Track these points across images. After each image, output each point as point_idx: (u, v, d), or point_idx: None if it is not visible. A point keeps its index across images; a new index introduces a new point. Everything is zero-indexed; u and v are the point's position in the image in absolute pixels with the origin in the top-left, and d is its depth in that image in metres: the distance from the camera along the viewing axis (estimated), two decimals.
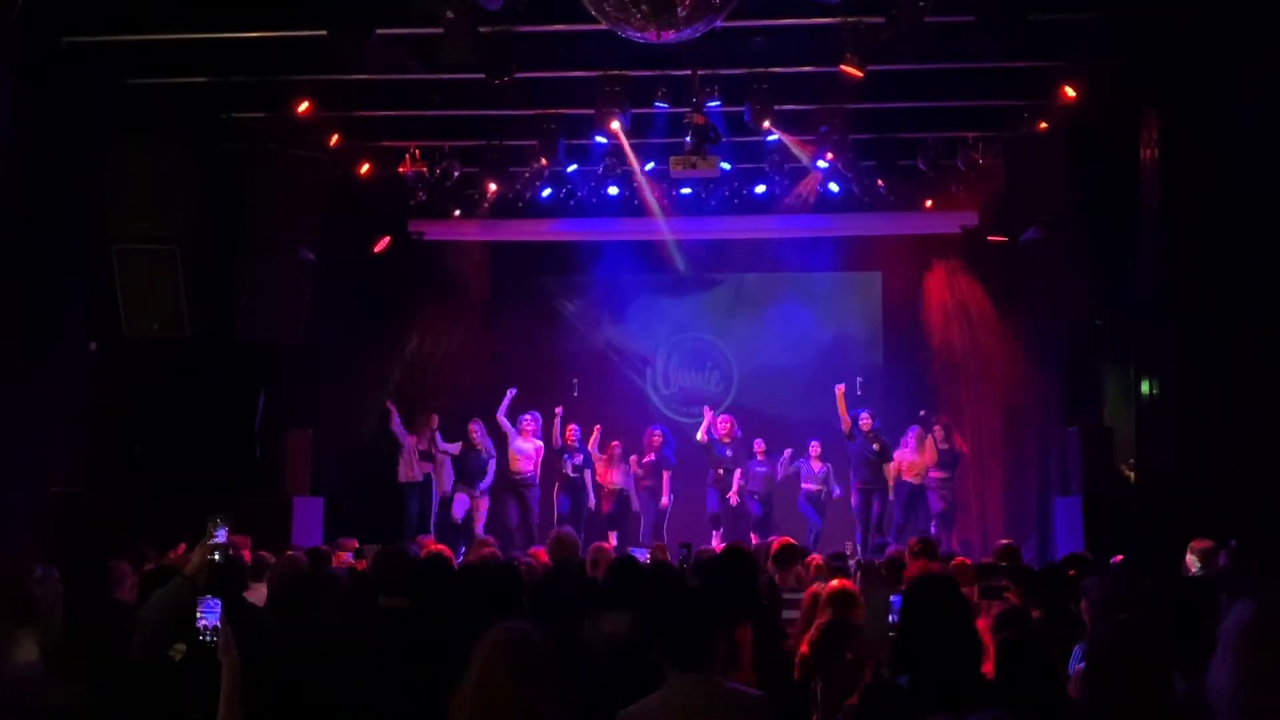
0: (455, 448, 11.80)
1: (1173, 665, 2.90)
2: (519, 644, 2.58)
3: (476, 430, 11.77)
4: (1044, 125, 9.97)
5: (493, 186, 11.64)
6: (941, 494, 11.79)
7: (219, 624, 3.11)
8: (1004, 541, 8.04)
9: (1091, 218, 10.00)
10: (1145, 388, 10.18)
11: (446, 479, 11.78)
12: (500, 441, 11.81)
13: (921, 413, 11.95)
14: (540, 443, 11.80)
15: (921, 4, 7.22)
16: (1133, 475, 9.71)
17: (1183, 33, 8.20)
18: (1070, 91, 9.26)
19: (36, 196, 8.32)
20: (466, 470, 11.73)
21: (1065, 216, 10.12)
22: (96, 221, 9.29)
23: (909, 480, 11.84)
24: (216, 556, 3.88)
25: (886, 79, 8.93)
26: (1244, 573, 4.94)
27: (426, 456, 11.67)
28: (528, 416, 11.79)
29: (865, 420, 11.81)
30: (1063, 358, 11.50)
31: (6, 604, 3.37)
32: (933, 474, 11.83)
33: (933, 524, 11.56)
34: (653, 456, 12.08)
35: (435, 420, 11.84)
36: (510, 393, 11.78)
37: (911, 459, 11.84)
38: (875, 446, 11.85)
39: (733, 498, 11.91)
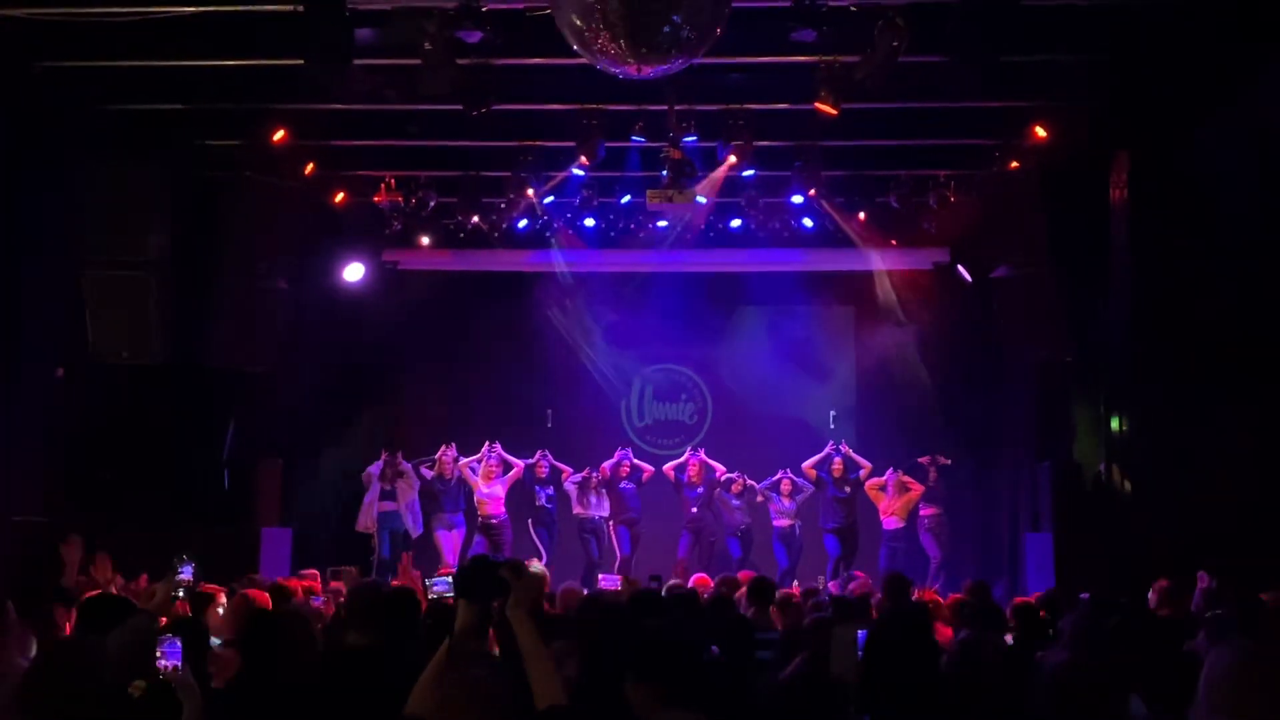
0: (428, 474, 11.70)
1: (1126, 699, 2.92)
2: (476, 684, 2.53)
3: (447, 457, 11.68)
4: (1015, 164, 10.09)
5: (468, 217, 11.63)
6: (937, 534, 11.79)
7: (180, 664, 3.05)
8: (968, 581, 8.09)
9: (1062, 256, 10.12)
10: (1115, 424, 10.27)
11: (412, 513, 11.56)
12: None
13: (922, 460, 11.98)
14: (505, 478, 11.70)
15: (895, 44, 7.31)
16: None
17: (1153, 76, 8.34)
18: (1041, 132, 9.39)
19: (6, 219, 8.24)
20: (436, 499, 11.59)
21: (1036, 255, 10.24)
22: (67, 245, 9.21)
23: (892, 525, 11.84)
24: (180, 593, 3.83)
25: (860, 116, 9.02)
26: (1224, 615, 4.97)
27: (389, 495, 11.48)
28: (493, 459, 11.67)
29: (837, 465, 11.91)
30: (1033, 394, 11.58)
31: None
32: (924, 511, 11.85)
33: (931, 568, 11.53)
34: (631, 485, 12.04)
35: (384, 457, 11.66)
36: (485, 449, 11.74)
37: (889, 502, 11.86)
38: (847, 489, 11.91)
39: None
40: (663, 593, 6.22)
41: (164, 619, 3.77)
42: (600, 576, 8.82)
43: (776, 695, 3.79)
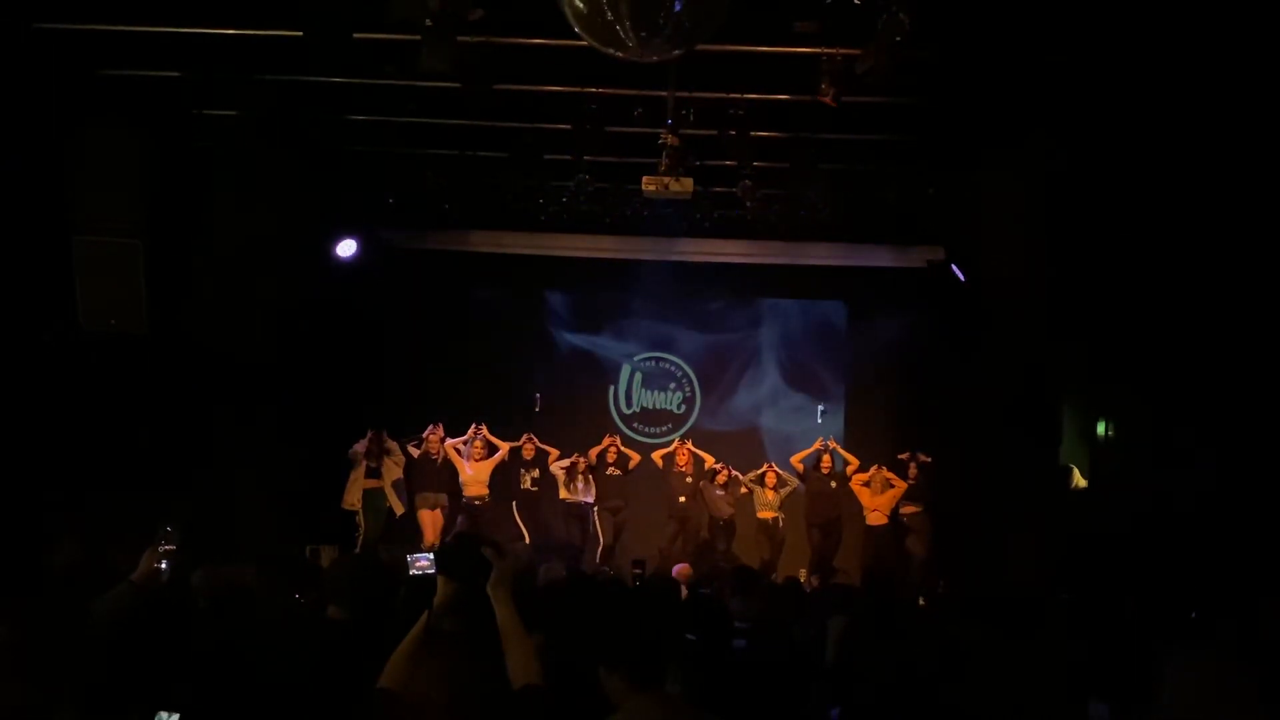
0: (414, 452, 11.71)
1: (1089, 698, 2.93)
2: (451, 659, 2.53)
3: (434, 436, 11.69)
4: (1014, 165, 10.08)
5: (464, 197, 11.58)
6: (919, 532, 11.83)
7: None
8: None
9: (1055, 259, 10.14)
10: (1101, 428, 10.30)
11: (398, 490, 11.60)
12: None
13: (902, 455, 12.03)
14: (490, 460, 11.72)
15: (898, 39, 7.27)
16: None
17: (1149, 84, 8.33)
18: (1041, 133, 9.37)
19: None
20: (421, 478, 11.61)
21: (1029, 256, 10.25)
22: (58, 212, 9.14)
23: (876, 522, 11.89)
24: (164, 564, 3.80)
25: (860, 110, 9.00)
26: (1197, 620, 4.99)
27: (374, 472, 11.50)
28: (478, 440, 11.68)
29: (825, 460, 11.96)
30: (1022, 395, 11.59)
31: None
32: (906, 509, 11.88)
33: (913, 565, 11.56)
34: (617, 471, 12.05)
35: (370, 434, 11.66)
36: (472, 430, 11.77)
37: (872, 498, 11.90)
38: (833, 484, 11.95)
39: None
40: (644, 575, 6.23)
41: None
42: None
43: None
